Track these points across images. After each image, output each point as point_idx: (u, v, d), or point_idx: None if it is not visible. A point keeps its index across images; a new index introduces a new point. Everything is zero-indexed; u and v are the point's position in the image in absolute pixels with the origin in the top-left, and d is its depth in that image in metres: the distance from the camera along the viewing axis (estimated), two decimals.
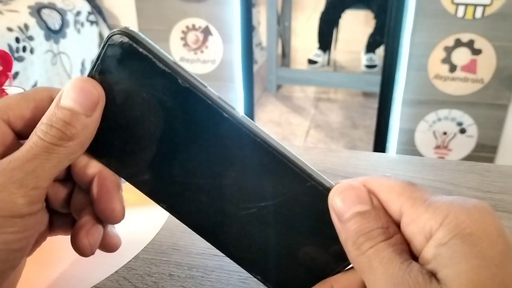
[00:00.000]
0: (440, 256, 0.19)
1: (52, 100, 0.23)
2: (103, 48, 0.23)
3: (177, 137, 0.24)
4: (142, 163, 0.25)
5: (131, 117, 0.24)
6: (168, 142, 0.24)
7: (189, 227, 0.26)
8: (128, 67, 0.23)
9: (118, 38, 0.22)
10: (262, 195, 0.25)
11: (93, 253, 0.25)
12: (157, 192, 0.25)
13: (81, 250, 0.25)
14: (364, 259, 0.21)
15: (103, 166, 0.25)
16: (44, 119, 0.22)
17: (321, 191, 0.24)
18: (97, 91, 0.23)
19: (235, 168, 0.24)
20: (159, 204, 0.26)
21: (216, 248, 0.26)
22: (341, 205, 0.23)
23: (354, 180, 0.24)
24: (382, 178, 0.23)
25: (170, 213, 0.26)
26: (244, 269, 0.26)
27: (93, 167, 0.25)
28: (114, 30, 0.22)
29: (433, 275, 0.19)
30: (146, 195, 0.26)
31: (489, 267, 0.18)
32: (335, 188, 0.23)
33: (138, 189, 0.25)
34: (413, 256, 0.21)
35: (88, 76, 0.24)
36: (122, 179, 0.26)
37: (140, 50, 0.22)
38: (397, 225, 0.22)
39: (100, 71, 0.23)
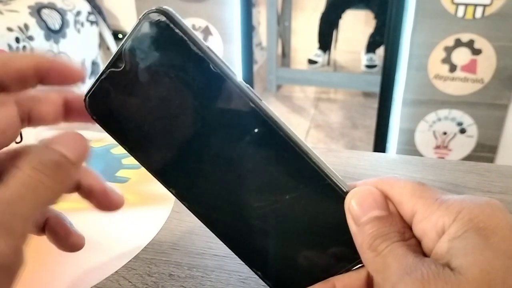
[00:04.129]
0: (453, 248, 0.20)
1: (35, 69, 0.22)
2: (137, 24, 0.23)
3: (199, 121, 0.24)
4: (159, 145, 0.25)
5: (155, 96, 0.23)
6: (189, 125, 0.24)
7: (195, 215, 0.26)
8: (161, 46, 0.23)
9: (155, 16, 0.22)
10: (276, 189, 0.25)
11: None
12: (169, 176, 0.25)
13: (77, 245, 0.26)
14: (379, 259, 0.21)
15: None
16: (34, 157, 0.21)
17: (336, 192, 0.24)
18: (87, 144, 0.23)
19: (253, 159, 0.24)
20: (168, 188, 0.25)
21: (219, 238, 0.26)
22: (358, 209, 0.23)
23: (366, 182, 0.24)
24: (393, 179, 0.24)
25: (178, 198, 0.26)
26: (245, 263, 0.26)
27: None
28: (151, 8, 0.22)
29: (446, 266, 0.20)
30: (157, 178, 0.25)
31: (502, 259, 0.19)
32: (353, 192, 0.24)
33: (151, 172, 0.25)
34: (425, 255, 0.21)
35: (117, 51, 0.23)
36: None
37: (176, 30, 0.22)
38: (410, 228, 0.23)
39: (130, 47, 0.23)
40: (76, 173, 0.22)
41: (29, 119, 0.23)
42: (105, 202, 0.26)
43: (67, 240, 0.26)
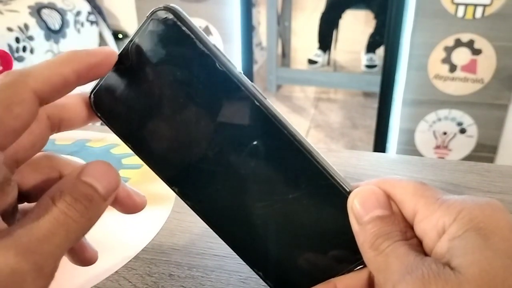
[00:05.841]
0: (453, 248, 0.20)
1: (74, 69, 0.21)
2: (145, 22, 0.23)
3: (204, 119, 0.24)
4: (163, 143, 0.24)
5: (160, 93, 0.23)
6: (194, 123, 0.24)
7: (197, 214, 0.26)
8: (167, 44, 0.23)
9: (162, 14, 0.22)
10: (279, 188, 0.24)
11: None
12: (172, 174, 0.25)
13: (91, 260, 0.26)
14: (381, 258, 0.21)
15: None
16: (68, 192, 0.21)
17: (339, 191, 0.24)
18: (118, 178, 0.22)
19: (257, 158, 0.24)
20: (171, 187, 0.25)
21: (221, 238, 0.26)
22: (361, 208, 0.23)
23: (368, 182, 0.24)
24: (395, 179, 0.24)
25: (181, 197, 0.25)
26: (246, 263, 0.26)
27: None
28: (159, 6, 0.22)
29: (446, 265, 0.20)
30: (160, 176, 0.25)
31: (502, 258, 0.19)
32: (356, 191, 0.24)
33: (154, 170, 0.25)
34: (426, 255, 0.22)
35: (124, 48, 0.23)
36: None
37: (183, 28, 0.22)
38: (412, 228, 0.23)
39: (137, 45, 0.23)
40: (105, 208, 0.22)
41: (59, 127, 0.23)
42: (130, 206, 0.26)
43: (82, 254, 0.26)
